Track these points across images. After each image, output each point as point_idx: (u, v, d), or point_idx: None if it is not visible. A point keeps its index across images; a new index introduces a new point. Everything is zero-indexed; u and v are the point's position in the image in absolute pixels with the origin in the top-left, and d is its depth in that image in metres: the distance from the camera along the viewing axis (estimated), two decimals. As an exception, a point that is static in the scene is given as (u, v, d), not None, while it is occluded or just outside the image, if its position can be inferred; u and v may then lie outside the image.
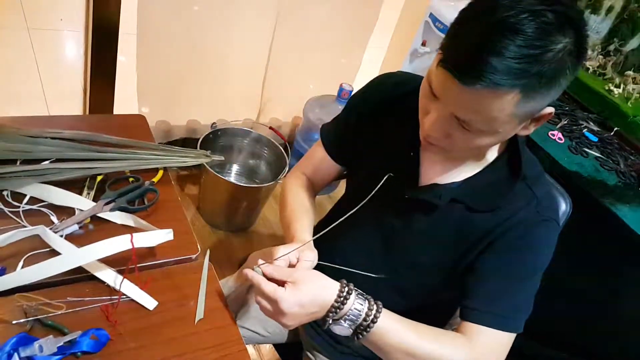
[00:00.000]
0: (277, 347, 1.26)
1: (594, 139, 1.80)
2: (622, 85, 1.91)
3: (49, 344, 0.72)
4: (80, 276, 0.86)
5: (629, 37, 1.90)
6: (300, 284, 0.78)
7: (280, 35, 2.16)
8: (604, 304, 1.55)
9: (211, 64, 2.11)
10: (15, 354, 0.70)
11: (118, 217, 0.98)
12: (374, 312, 0.78)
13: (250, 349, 1.60)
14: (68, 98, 2.00)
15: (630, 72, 1.90)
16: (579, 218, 1.12)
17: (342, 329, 0.80)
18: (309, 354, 1.17)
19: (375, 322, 0.78)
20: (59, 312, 0.79)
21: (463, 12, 0.71)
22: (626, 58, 1.92)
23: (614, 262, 1.51)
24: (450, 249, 0.91)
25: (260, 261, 0.82)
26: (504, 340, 0.84)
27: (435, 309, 1.08)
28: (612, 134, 1.83)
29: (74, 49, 1.87)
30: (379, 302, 0.81)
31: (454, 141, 0.77)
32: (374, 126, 0.99)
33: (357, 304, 0.79)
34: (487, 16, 0.66)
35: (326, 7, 2.18)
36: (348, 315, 0.78)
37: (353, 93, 1.08)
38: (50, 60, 1.87)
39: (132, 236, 0.85)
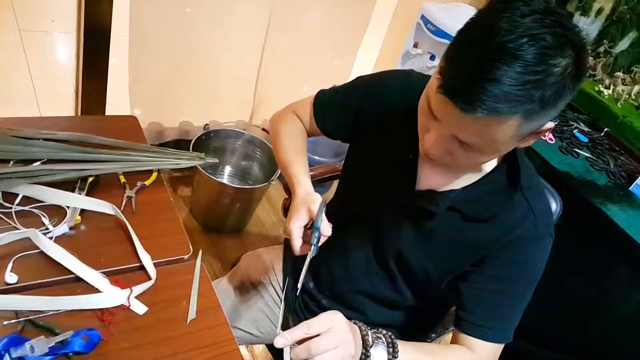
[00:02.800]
0: (270, 347, 1.26)
1: (585, 139, 1.81)
2: (612, 87, 1.93)
3: (40, 344, 0.72)
4: (71, 277, 0.85)
5: (619, 38, 1.92)
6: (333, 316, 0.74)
7: (273, 37, 2.16)
8: (594, 302, 1.57)
9: (204, 65, 2.11)
10: (7, 355, 0.70)
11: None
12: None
13: (243, 349, 1.60)
14: (60, 100, 1.99)
15: (620, 74, 1.92)
16: (569, 218, 1.13)
17: (382, 355, 0.78)
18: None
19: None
20: (51, 313, 0.79)
21: (461, 34, 0.68)
22: (616, 59, 1.94)
23: (604, 261, 1.53)
24: (442, 257, 0.92)
25: (283, 338, 0.71)
26: (500, 349, 0.90)
27: (429, 307, 1.09)
28: (602, 134, 1.85)
29: (65, 50, 1.86)
30: (392, 336, 0.80)
31: (455, 157, 0.77)
32: (376, 124, 0.97)
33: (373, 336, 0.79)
34: (485, 41, 0.64)
35: (319, 8, 2.19)
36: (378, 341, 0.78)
37: (363, 76, 1.03)
38: (41, 62, 1.86)
39: (131, 290, 0.85)
